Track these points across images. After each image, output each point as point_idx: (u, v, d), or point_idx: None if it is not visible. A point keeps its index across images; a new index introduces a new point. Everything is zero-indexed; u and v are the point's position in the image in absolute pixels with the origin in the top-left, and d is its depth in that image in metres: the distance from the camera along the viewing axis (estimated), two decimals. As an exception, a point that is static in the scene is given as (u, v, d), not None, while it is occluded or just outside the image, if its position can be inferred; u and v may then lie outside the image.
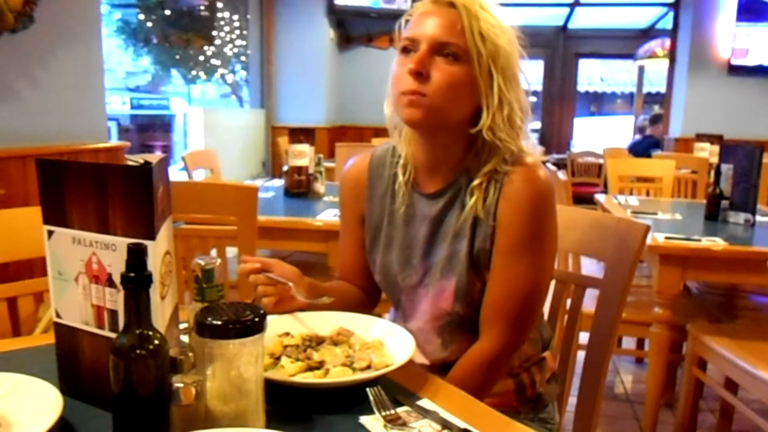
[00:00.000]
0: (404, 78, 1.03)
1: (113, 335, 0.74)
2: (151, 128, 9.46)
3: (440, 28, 1.02)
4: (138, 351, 0.65)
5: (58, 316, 0.83)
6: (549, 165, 3.55)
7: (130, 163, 0.78)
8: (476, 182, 1.06)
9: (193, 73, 9.70)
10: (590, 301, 1.32)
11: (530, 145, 1.11)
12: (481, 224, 1.06)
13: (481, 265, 1.07)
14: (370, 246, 1.20)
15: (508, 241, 1.05)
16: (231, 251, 1.87)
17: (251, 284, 1.05)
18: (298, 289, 1.04)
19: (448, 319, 1.11)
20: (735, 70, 5.63)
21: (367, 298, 1.25)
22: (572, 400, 1.33)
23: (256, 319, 0.70)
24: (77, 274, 0.80)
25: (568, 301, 1.36)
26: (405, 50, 1.05)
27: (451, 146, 1.09)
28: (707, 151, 4.17)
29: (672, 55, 6.18)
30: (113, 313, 0.78)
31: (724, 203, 2.39)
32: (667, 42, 6.68)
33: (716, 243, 2.01)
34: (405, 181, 1.14)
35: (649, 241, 1.92)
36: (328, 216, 2.17)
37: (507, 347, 1.07)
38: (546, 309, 1.35)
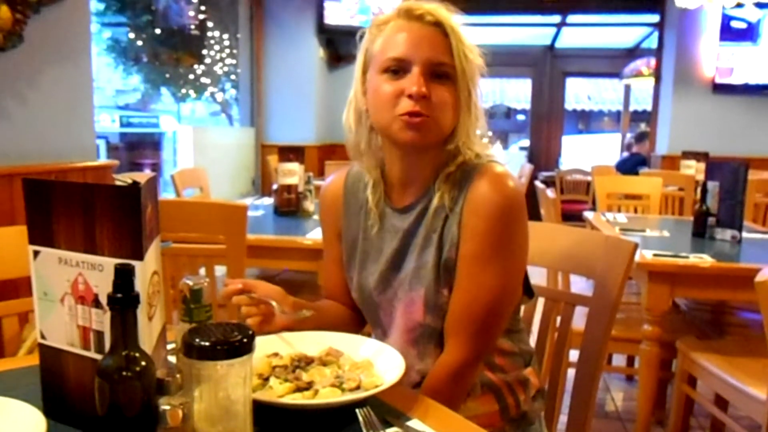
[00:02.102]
0: (403, 100, 1.03)
1: (99, 357, 0.73)
2: (141, 146, 9.43)
3: (432, 48, 1.03)
4: (124, 373, 0.65)
5: (43, 337, 0.82)
6: (537, 182, 3.56)
7: (118, 183, 0.77)
8: (443, 173, 1.08)
9: (183, 91, 9.71)
10: (580, 319, 1.32)
11: (490, 154, 1.12)
12: (449, 231, 1.07)
13: (448, 275, 1.07)
14: (347, 263, 1.20)
15: (471, 249, 1.05)
16: (220, 270, 1.86)
17: (234, 306, 1.04)
18: (281, 307, 1.04)
19: (420, 331, 1.12)
20: (719, 89, 5.72)
21: (355, 316, 1.25)
22: (563, 418, 1.32)
23: (245, 340, 0.70)
24: (63, 294, 0.79)
25: (558, 319, 1.37)
26: (391, 70, 1.05)
27: (428, 160, 1.10)
28: (693, 169, 4.22)
29: (657, 74, 6.27)
30: (99, 334, 0.77)
31: (711, 220, 2.41)
32: (653, 61, 6.77)
33: (704, 260, 2.02)
34: (375, 202, 1.15)
35: (637, 258, 1.93)
36: (317, 234, 2.16)
37: (471, 358, 1.06)
38: (535, 327, 1.35)
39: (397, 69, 1.04)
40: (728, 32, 5.67)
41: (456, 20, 1.05)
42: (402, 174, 1.12)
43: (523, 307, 1.23)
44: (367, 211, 1.17)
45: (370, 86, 1.08)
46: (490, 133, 1.13)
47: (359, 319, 1.26)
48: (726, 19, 5.64)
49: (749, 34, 5.70)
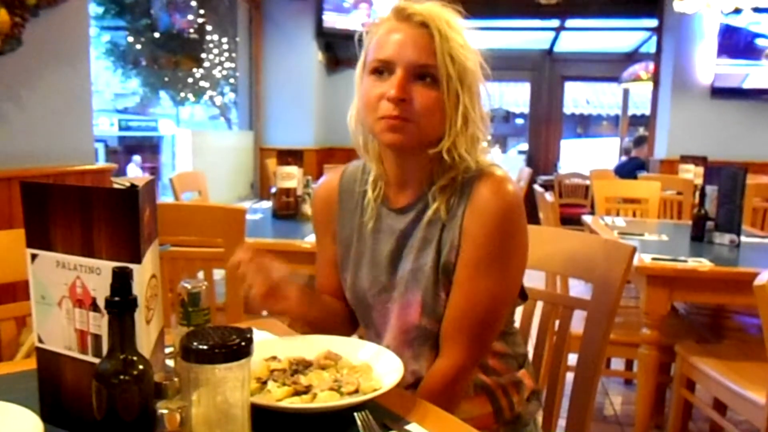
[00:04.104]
0: (383, 103, 1.02)
1: (96, 360, 0.73)
2: (139, 150, 9.45)
3: (416, 50, 1.01)
4: (122, 376, 0.64)
5: (40, 340, 0.82)
6: (536, 186, 3.57)
7: (116, 185, 0.77)
8: (437, 186, 1.07)
9: (182, 95, 9.73)
10: (578, 323, 1.32)
11: (489, 160, 1.11)
12: (448, 236, 1.06)
13: (447, 279, 1.07)
14: (342, 264, 1.20)
15: (472, 254, 1.04)
16: (218, 273, 1.86)
17: (240, 278, 1.03)
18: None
19: (416, 333, 1.11)
20: (717, 93, 5.73)
21: (351, 315, 1.24)
22: (561, 423, 1.32)
23: (243, 344, 0.70)
24: (61, 298, 0.79)
25: (556, 323, 1.36)
26: (377, 72, 1.04)
27: (422, 162, 1.09)
28: (692, 173, 4.23)
29: (656, 79, 6.28)
30: (97, 338, 0.77)
31: (710, 224, 2.42)
32: (651, 65, 6.79)
33: (702, 264, 2.02)
34: (374, 197, 1.15)
35: (636, 262, 1.94)
36: (316, 238, 2.16)
37: (468, 363, 1.06)
38: (534, 330, 1.35)
39: (382, 70, 1.04)
40: (727, 47, 5.64)
41: (450, 20, 1.03)
42: (397, 174, 1.12)
43: (521, 309, 1.23)
44: (363, 207, 1.17)
45: (360, 87, 1.09)
46: (489, 137, 1.12)
47: (355, 317, 1.25)
48: (733, 35, 5.61)
49: (754, 52, 5.65)
